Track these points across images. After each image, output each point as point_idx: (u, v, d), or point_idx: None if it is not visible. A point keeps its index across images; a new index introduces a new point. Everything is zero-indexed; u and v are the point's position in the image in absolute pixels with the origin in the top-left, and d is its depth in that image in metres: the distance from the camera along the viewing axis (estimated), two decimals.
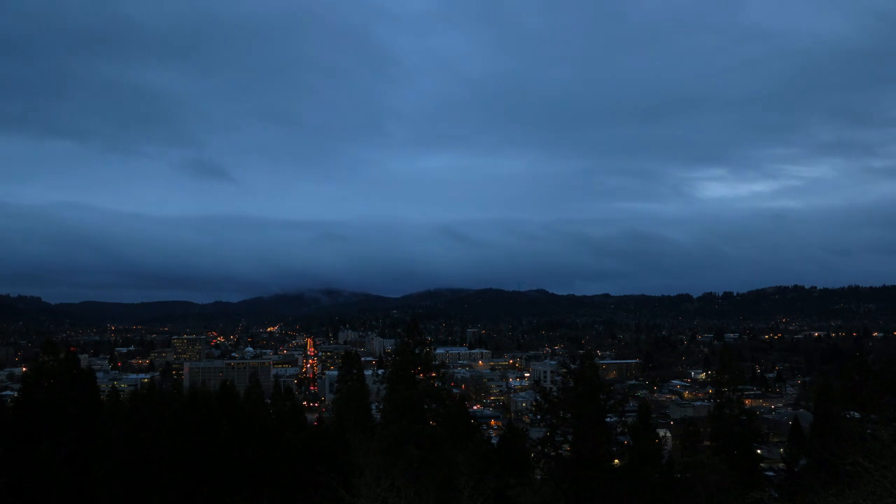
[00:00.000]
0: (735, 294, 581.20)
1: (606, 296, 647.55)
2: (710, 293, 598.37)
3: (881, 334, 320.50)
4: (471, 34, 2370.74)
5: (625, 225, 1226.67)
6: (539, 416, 46.33)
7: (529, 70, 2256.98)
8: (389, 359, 51.13)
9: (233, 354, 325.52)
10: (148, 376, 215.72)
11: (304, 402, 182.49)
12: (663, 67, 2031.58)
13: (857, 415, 52.60)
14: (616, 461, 47.42)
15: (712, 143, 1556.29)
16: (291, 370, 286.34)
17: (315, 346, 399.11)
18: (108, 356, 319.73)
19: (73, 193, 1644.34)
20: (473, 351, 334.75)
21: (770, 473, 64.87)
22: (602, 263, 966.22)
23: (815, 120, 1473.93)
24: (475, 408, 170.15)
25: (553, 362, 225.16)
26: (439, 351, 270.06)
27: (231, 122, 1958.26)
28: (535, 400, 49.13)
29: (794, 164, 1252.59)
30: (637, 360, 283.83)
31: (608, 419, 46.14)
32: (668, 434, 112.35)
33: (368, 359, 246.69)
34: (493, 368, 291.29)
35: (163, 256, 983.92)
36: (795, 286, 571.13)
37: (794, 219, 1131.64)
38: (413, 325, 44.03)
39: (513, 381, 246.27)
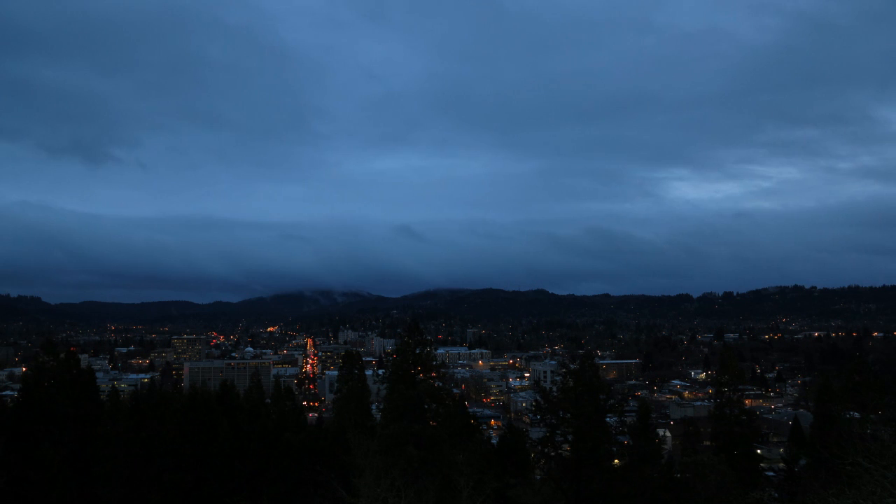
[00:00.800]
0: (735, 294, 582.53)
1: (606, 296, 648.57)
2: (710, 293, 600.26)
3: (881, 334, 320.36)
4: (391, 36, 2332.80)
5: (592, 224, 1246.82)
6: (539, 416, 46.30)
7: (461, 71, 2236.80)
8: (389, 359, 51.13)
9: (233, 354, 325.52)
10: (148, 376, 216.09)
11: (304, 402, 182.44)
12: (598, 68, 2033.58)
13: (857, 415, 52.57)
14: (616, 461, 47.41)
15: (668, 143, 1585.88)
16: (291, 370, 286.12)
17: (315, 346, 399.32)
18: (108, 356, 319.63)
19: (26, 193, 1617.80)
20: (473, 351, 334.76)
21: (770, 473, 64.91)
22: (573, 263, 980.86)
23: (761, 120, 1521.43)
24: (475, 408, 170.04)
25: (553, 362, 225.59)
26: (439, 351, 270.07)
27: (157, 122, 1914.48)
28: (535, 400, 49.11)
29: (754, 164, 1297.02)
30: (637, 360, 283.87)
31: (608, 419, 46.12)
32: (668, 434, 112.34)
33: (368, 359, 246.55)
34: (493, 368, 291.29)
35: (131, 256, 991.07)
36: (795, 286, 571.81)
37: (766, 219, 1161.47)
38: (413, 325, 44.09)
39: (513, 381, 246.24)
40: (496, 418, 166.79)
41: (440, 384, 42.87)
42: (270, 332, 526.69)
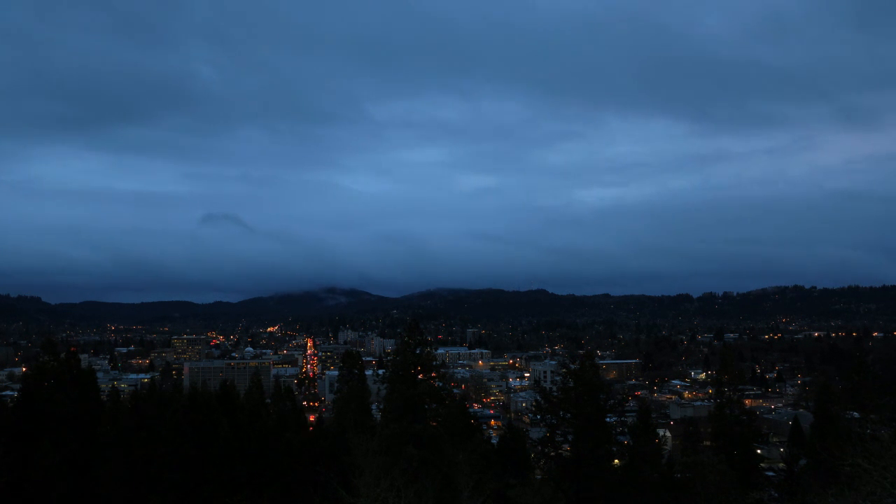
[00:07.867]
0: (735, 294, 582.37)
1: (606, 296, 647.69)
2: (710, 293, 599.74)
3: (881, 334, 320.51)
4: None
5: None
6: (539, 416, 46.32)
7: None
8: (389, 359, 51.17)
9: (233, 354, 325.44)
10: (148, 376, 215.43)
11: (304, 402, 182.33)
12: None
13: (857, 415, 52.61)
14: (616, 461, 47.43)
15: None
16: (291, 370, 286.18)
17: (315, 346, 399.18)
18: (108, 356, 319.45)
19: None
20: (473, 351, 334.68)
21: (770, 473, 64.85)
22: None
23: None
24: (475, 407, 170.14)
25: (553, 362, 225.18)
26: (439, 351, 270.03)
27: None
28: (535, 400, 49.12)
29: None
30: (637, 360, 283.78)
31: (608, 419, 46.15)
32: (668, 434, 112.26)
33: (368, 359, 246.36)
34: (493, 368, 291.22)
35: None
36: (795, 286, 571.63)
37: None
38: (413, 326, 44.09)
39: (513, 381, 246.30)
40: (496, 418, 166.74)
41: (440, 384, 42.86)
42: (270, 332, 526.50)
